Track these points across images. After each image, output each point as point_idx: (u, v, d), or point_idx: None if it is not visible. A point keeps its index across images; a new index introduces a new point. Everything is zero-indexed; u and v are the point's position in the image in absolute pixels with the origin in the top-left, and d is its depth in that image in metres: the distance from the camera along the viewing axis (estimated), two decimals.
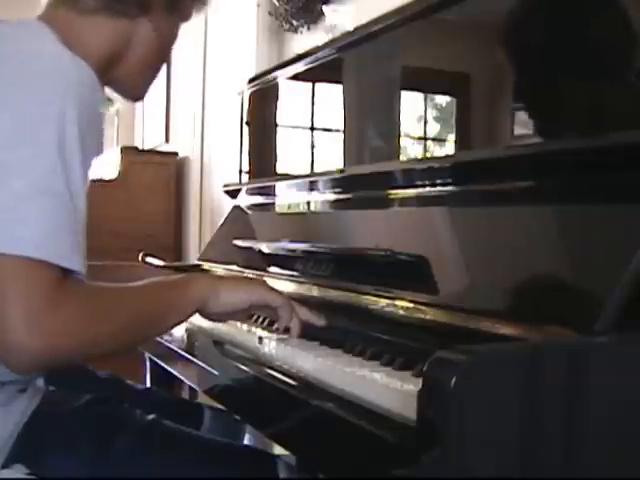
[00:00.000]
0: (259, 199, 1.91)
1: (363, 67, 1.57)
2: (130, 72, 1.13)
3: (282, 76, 1.88)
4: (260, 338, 1.15)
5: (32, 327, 0.84)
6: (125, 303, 0.98)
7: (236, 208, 1.98)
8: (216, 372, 1.23)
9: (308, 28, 2.51)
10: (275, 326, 1.24)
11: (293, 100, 1.88)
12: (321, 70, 1.69)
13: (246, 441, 1.49)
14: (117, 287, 1.01)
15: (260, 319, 1.33)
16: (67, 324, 0.87)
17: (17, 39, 0.98)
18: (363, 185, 1.44)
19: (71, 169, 0.91)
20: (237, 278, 1.20)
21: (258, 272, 1.58)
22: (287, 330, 1.09)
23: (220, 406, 1.34)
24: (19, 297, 0.84)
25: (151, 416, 1.14)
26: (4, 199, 0.87)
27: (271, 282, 1.50)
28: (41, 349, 0.86)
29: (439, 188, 1.22)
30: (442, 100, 1.46)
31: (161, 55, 1.16)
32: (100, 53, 1.07)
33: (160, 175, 3.61)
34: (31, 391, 1.05)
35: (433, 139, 1.43)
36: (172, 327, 1.11)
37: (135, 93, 1.20)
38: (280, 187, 1.83)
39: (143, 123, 4.41)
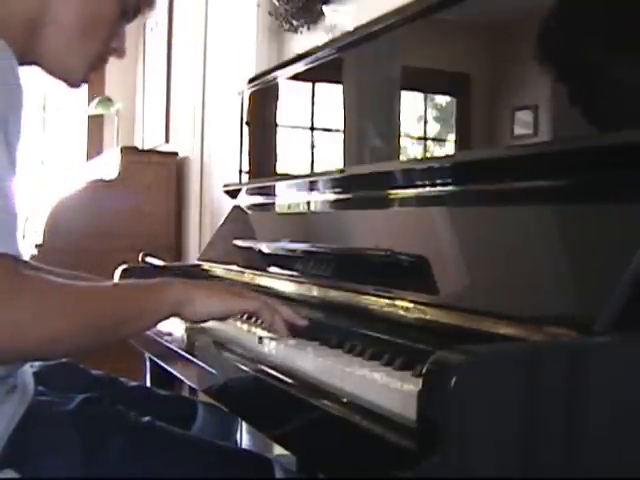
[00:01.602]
0: (259, 199, 1.91)
1: (363, 67, 1.57)
2: (57, 46, 1.04)
3: (282, 76, 1.88)
4: (260, 338, 1.15)
5: None
6: (89, 301, 0.94)
7: (236, 208, 1.98)
8: (216, 372, 1.23)
9: (308, 28, 2.51)
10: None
11: (293, 100, 1.88)
12: (321, 70, 1.69)
13: (243, 438, 1.49)
14: (82, 285, 0.98)
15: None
16: (26, 313, 0.85)
17: None
18: (363, 185, 1.44)
19: None
20: (214, 285, 1.16)
21: (258, 272, 1.58)
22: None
23: (220, 405, 1.34)
24: None
25: (146, 418, 1.13)
26: None
27: (271, 282, 1.50)
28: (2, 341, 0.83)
29: (439, 188, 1.22)
30: (442, 100, 1.46)
31: (91, 25, 1.05)
32: (19, 26, 1.00)
33: (160, 175, 3.61)
34: (20, 393, 1.03)
35: (433, 139, 1.43)
36: (145, 329, 1.09)
37: (69, 73, 1.09)
38: (280, 187, 1.83)
39: (143, 123, 4.41)
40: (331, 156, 1.71)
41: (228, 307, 1.06)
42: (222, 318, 1.11)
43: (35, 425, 1.02)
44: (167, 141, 3.96)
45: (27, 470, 0.99)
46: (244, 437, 1.80)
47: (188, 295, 1.02)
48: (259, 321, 1.31)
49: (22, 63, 1.01)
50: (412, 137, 1.47)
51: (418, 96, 1.48)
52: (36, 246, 3.16)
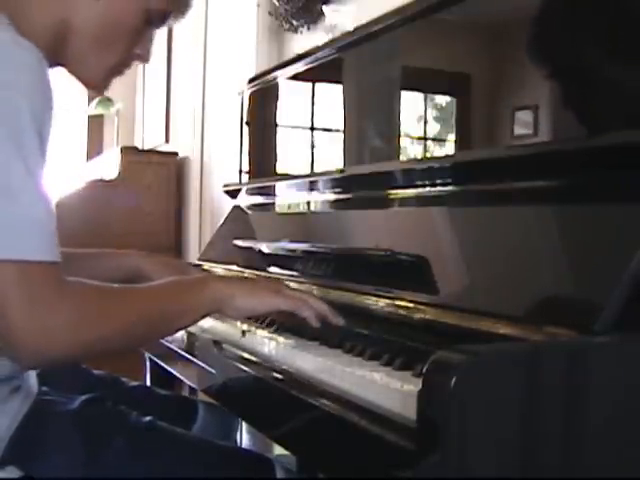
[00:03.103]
0: (259, 199, 1.91)
1: (363, 67, 1.57)
2: (81, 52, 1.07)
3: (282, 76, 1.88)
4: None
5: (35, 323, 0.85)
6: (133, 302, 0.97)
7: (236, 208, 1.98)
8: (216, 372, 1.23)
9: (308, 28, 2.51)
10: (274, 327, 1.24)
11: (293, 100, 1.88)
12: (321, 70, 1.69)
13: (244, 438, 1.49)
14: (125, 287, 1.02)
15: (260, 320, 1.33)
16: (70, 320, 0.88)
17: None
18: (363, 185, 1.44)
19: (29, 159, 0.88)
20: (255, 282, 1.18)
21: (258, 272, 1.58)
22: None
23: (220, 405, 1.34)
24: (18, 297, 0.85)
25: (147, 418, 1.13)
26: None
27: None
28: (43, 345, 0.86)
29: (439, 188, 1.22)
30: (442, 100, 1.46)
31: (113, 32, 1.07)
32: (46, 30, 1.02)
33: (160, 175, 3.61)
34: (24, 392, 1.04)
35: (433, 139, 1.43)
36: (186, 327, 1.12)
37: (91, 78, 1.11)
38: (280, 187, 1.83)
39: (143, 123, 4.41)
40: (331, 156, 1.71)
41: (268, 305, 1.08)
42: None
43: (38, 424, 1.03)
44: (167, 141, 3.96)
45: (30, 468, 1.00)
46: (244, 437, 1.80)
47: (229, 292, 1.05)
48: (259, 320, 1.31)
49: (50, 66, 1.03)
50: (412, 137, 1.47)
51: (418, 96, 1.48)
52: None
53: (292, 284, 1.42)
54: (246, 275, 1.63)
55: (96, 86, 1.13)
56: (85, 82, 1.11)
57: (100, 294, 0.95)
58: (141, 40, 1.11)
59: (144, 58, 1.14)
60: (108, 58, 1.09)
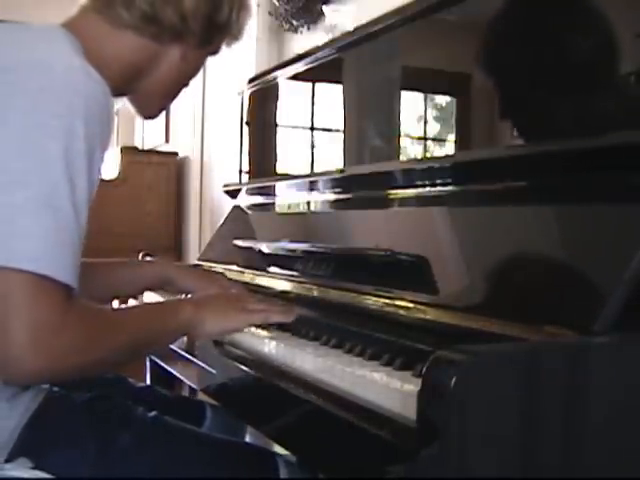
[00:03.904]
0: (259, 199, 1.91)
1: (363, 67, 1.57)
2: (148, 92, 1.14)
3: (282, 76, 1.88)
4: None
5: (37, 345, 0.86)
6: (123, 326, 1.02)
7: (236, 208, 1.98)
8: (216, 372, 1.23)
9: (308, 28, 2.51)
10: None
11: (293, 100, 1.88)
12: (321, 70, 1.69)
13: (247, 439, 1.49)
14: (115, 310, 1.04)
15: None
16: (72, 344, 0.90)
17: (33, 46, 0.97)
18: (363, 185, 1.44)
19: (76, 185, 0.91)
20: (224, 302, 1.20)
21: (258, 272, 1.58)
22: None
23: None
24: (24, 312, 0.86)
25: (153, 413, 1.15)
26: (4, 210, 0.87)
27: (271, 282, 1.50)
28: (42, 367, 0.88)
29: (439, 188, 1.22)
30: (442, 100, 1.46)
31: (182, 82, 1.17)
32: (122, 67, 1.08)
33: (160, 175, 3.61)
34: (35, 388, 1.05)
35: (433, 139, 1.43)
36: (157, 350, 1.16)
37: (149, 112, 1.21)
38: (280, 187, 1.83)
39: (143, 123, 4.40)
40: (331, 156, 1.71)
41: (237, 324, 1.16)
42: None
43: (49, 417, 1.04)
44: (167, 141, 3.96)
45: (40, 460, 1.01)
46: (246, 435, 1.80)
47: (199, 316, 1.11)
48: None
49: (114, 95, 1.09)
50: (412, 137, 1.47)
51: (418, 96, 1.48)
52: None
53: (292, 284, 1.42)
54: (246, 275, 1.63)
55: (151, 117, 1.22)
56: (142, 113, 1.20)
57: (99, 319, 0.99)
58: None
59: (189, 84, 1.22)
60: (171, 99, 1.19)
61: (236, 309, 1.17)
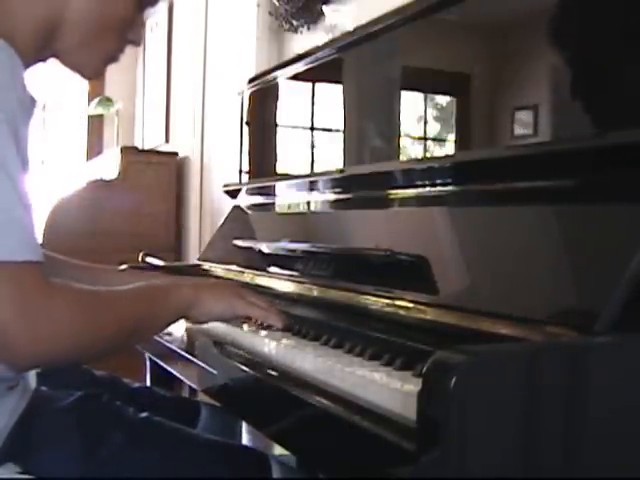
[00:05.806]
0: (259, 199, 1.91)
1: (363, 67, 1.57)
2: (73, 45, 1.07)
3: (282, 76, 1.88)
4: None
5: (26, 326, 0.85)
6: (116, 307, 0.99)
7: (236, 208, 1.98)
8: (216, 372, 1.23)
9: (308, 28, 2.51)
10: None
11: (293, 100, 1.88)
12: (321, 70, 1.69)
13: (244, 439, 1.49)
14: (107, 291, 1.02)
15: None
16: (61, 319, 0.88)
17: None
18: (363, 185, 1.44)
19: (7, 164, 0.87)
20: (218, 287, 1.18)
21: (258, 272, 1.58)
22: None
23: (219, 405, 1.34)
24: (6, 297, 0.84)
25: (144, 413, 1.14)
26: None
27: (271, 282, 1.50)
28: (36, 349, 0.87)
29: (439, 188, 1.22)
30: (442, 100, 1.46)
31: (106, 23, 1.07)
32: (36, 26, 1.02)
33: (160, 175, 3.61)
34: (21, 389, 1.04)
35: (433, 139, 1.43)
36: (156, 333, 1.14)
37: (88, 70, 1.12)
38: (280, 187, 1.83)
39: (143, 123, 4.41)
40: (331, 156, 1.71)
41: (233, 310, 1.13)
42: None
43: (35, 420, 1.03)
44: (167, 141, 3.96)
45: (28, 464, 1.00)
46: (244, 437, 1.80)
47: (196, 298, 1.08)
48: (259, 321, 1.31)
49: (40, 59, 1.05)
50: (412, 137, 1.47)
51: (418, 96, 1.48)
52: None
53: (292, 284, 1.42)
54: (246, 275, 1.63)
55: (90, 74, 1.13)
56: (80, 72, 1.12)
57: (85, 294, 0.96)
58: (133, 26, 1.11)
59: (137, 43, 1.14)
60: (102, 47, 1.10)
61: (236, 295, 1.14)
